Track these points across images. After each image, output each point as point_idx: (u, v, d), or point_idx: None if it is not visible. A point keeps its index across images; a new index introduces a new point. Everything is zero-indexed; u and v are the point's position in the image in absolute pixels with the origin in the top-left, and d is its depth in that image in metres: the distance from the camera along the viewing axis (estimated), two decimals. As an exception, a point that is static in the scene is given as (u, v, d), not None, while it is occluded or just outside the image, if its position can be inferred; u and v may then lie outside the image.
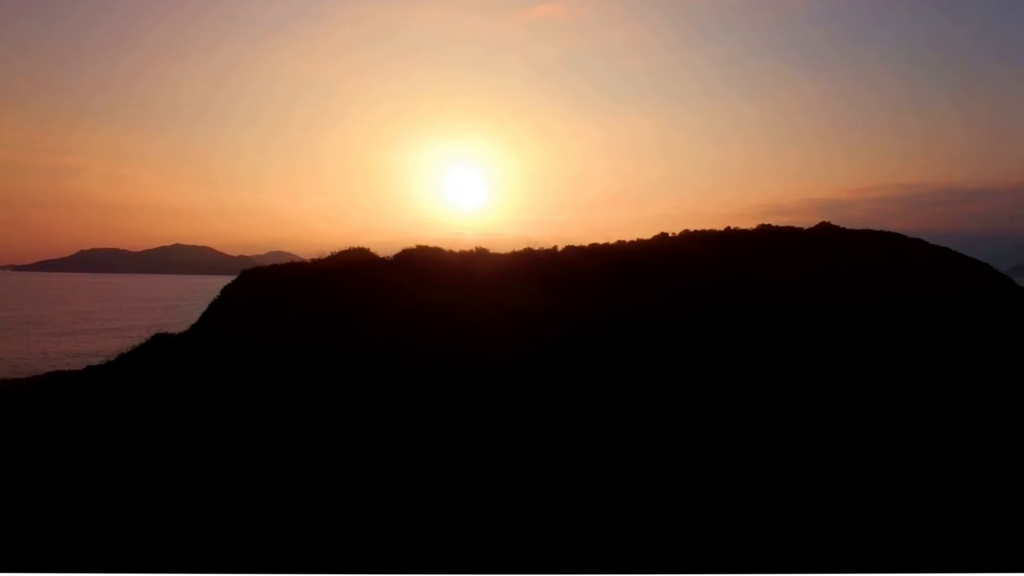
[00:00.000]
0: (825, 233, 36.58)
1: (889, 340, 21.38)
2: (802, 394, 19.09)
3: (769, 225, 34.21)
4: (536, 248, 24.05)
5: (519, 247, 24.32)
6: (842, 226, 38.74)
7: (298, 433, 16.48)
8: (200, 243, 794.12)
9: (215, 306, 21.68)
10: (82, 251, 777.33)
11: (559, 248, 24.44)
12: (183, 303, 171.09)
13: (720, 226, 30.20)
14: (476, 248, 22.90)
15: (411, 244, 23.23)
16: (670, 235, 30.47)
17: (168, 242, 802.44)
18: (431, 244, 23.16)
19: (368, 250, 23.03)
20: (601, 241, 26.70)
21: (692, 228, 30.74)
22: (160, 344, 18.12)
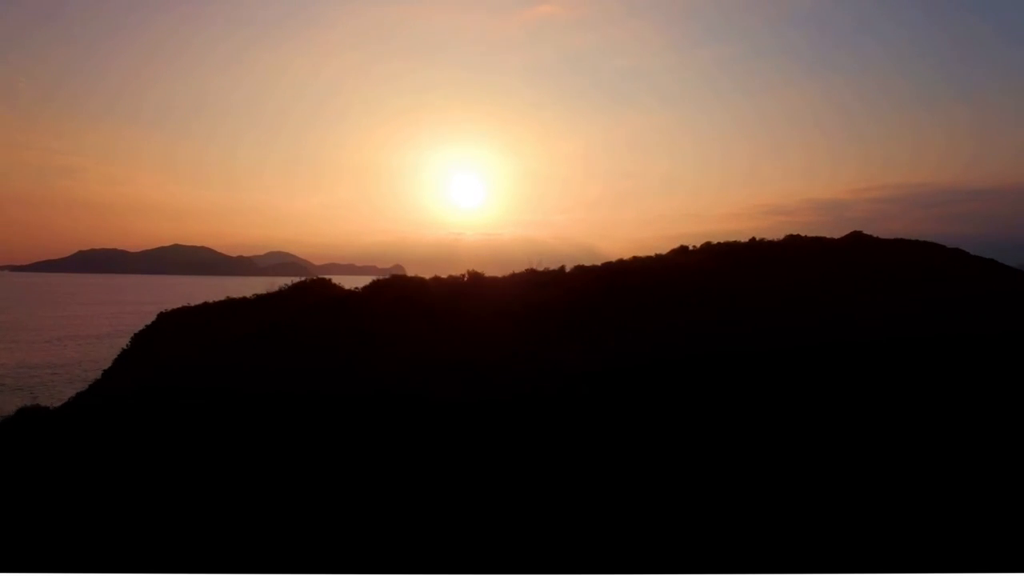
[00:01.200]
0: (857, 244, 33.43)
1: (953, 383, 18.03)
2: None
3: (798, 236, 31.02)
4: (540, 268, 20.76)
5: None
6: (873, 235, 35.64)
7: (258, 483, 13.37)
8: (199, 243, 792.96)
9: (123, 360, 18.01)
10: (81, 251, 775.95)
11: (567, 268, 21.17)
12: (174, 306, 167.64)
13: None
14: (468, 273, 19.37)
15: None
16: (691, 248, 27.26)
17: (167, 242, 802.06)
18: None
19: (330, 281, 19.42)
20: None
21: (713, 240, 27.58)
22: (27, 420, 14.24)
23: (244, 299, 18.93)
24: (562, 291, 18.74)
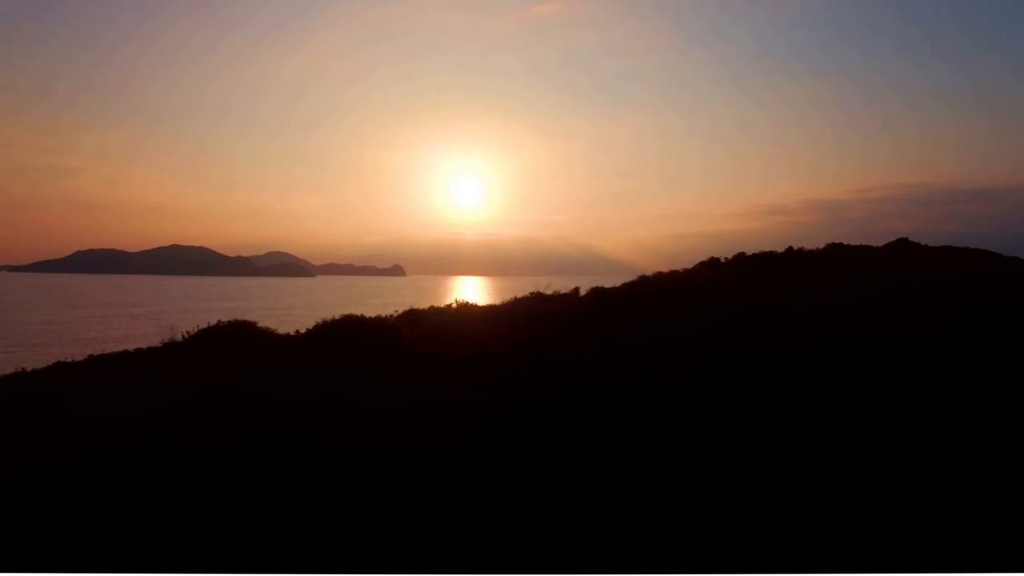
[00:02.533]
0: (903, 252, 29.56)
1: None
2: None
3: (841, 244, 27.12)
4: (549, 291, 16.69)
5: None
6: (920, 242, 31.76)
7: None
8: (198, 243, 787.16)
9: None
10: (79, 252, 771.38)
11: (581, 292, 17.16)
12: (164, 310, 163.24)
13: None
14: (455, 304, 15.17)
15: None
16: (722, 260, 23.32)
17: (166, 243, 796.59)
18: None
19: (254, 324, 14.68)
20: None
21: (749, 251, 23.68)
22: None
23: (125, 353, 14.02)
24: (575, 323, 14.64)
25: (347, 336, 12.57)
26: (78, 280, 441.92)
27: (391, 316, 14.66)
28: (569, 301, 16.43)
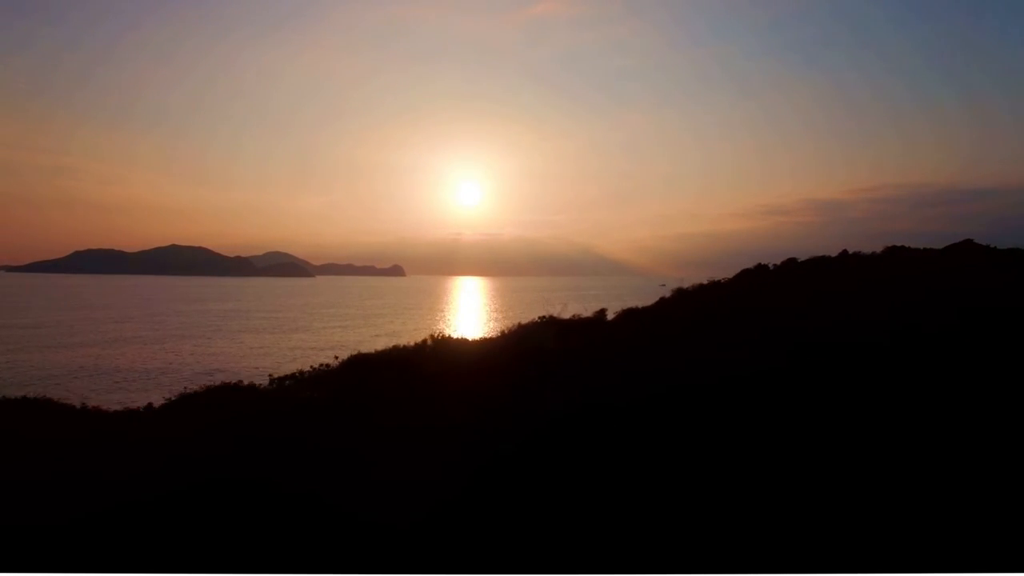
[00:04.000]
0: (972, 254, 25.53)
1: None
2: None
3: (902, 248, 23.05)
4: (563, 316, 12.55)
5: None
6: (985, 243, 27.73)
7: None
8: (197, 243, 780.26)
9: None
10: (78, 252, 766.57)
11: (608, 313, 13.12)
12: (161, 311, 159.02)
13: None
14: (429, 338, 10.87)
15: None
16: (771, 267, 19.26)
17: (165, 243, 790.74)
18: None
19: (53, 401, 9.92)
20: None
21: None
22: None
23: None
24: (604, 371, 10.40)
25: (214, 421, 8.28)
26: (76, 280, 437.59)
27: (326, 367, 10.33)
28: (594, 328, 12.12)
